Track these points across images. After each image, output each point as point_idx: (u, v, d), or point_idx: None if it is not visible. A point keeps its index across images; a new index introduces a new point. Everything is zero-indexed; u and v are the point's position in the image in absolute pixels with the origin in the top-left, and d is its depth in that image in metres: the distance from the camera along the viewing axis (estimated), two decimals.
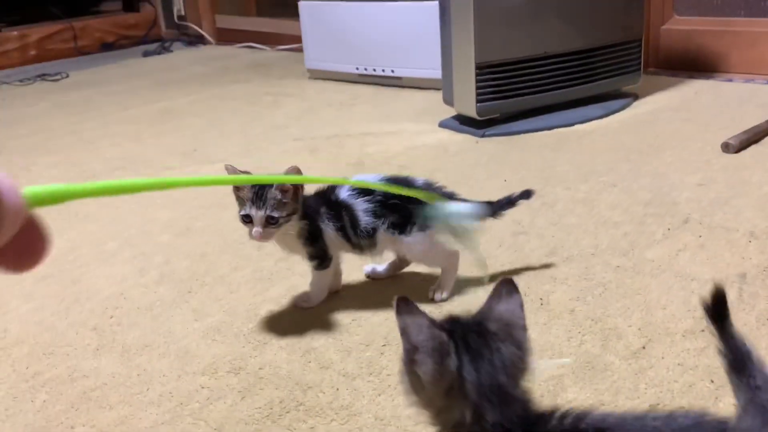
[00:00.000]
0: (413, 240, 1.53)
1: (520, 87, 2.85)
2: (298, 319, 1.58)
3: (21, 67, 5.35)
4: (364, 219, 1.52)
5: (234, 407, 1.30)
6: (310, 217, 1.52)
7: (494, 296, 0.87)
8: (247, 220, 1.47)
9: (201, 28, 5.95)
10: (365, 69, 3.96)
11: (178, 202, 2.36)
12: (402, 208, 1.51)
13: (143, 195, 2.48)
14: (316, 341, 1.49)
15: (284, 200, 1.45)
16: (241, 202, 1.48)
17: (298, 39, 4.43)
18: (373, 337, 1.48)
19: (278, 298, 1.68)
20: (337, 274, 1.68)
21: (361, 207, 1.52)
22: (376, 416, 1.24)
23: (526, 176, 2.32)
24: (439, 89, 3.59)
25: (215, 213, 2.22)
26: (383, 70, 3.88)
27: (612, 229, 1.86)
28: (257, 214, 1.44)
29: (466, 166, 2.50)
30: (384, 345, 1.45)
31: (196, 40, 5.96)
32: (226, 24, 5.92)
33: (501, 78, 2.81)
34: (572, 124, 2.84)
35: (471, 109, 2.85)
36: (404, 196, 1.48)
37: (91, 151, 3.05)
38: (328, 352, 1.44)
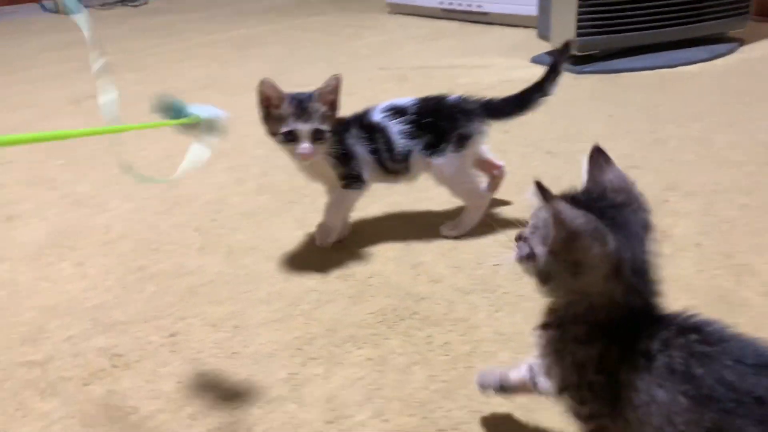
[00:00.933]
0: (444, 161, 1.43)
1: (624, 23, 2.70)
2: (402, 234, 1.53)
3: None
4: (400, 142, 1.43)
5: (346, 311, 1.27)
6: (342, 137, 1.41)
7: (594, 167, 0.80)
8: (289, 137, 1.33)
9: None
10: (450, 3, 3.83)
11: None
12: (436, 127, 1.42)
13: (234, 111, 2.46)
14: (423, 256, 1.44)
15: (328, 113, 1.35)
16: (277, 120, 1.34)
17: None
18: (484, 257, 1.42)
19: (379, 214, 1.63)
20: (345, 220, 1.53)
21: (396, 129, 1.43)
22: (495, 330, 1.19)
23: (632, 112, 2.20)
24: (528, 26, 3.46)
25: None
26: (469, 5, 3.74)
27: (733, 168, 1.75)
28: (304, 128, 1.32)
29: (565, 102, 2.38)
30: (497, 264, 1.39)
31: None
32: None
33: (604, 12, 2.66)
34: (675, 66, 2.68)
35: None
36: (437, 115, 1.42)
37: (175, 71, 3.03)
38: (437, 267, 1.39)
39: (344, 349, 1.16)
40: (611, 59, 2.74)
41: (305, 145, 1.33)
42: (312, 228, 1.58)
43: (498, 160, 1.61)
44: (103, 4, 4.80)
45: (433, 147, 1.43)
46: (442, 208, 1.64)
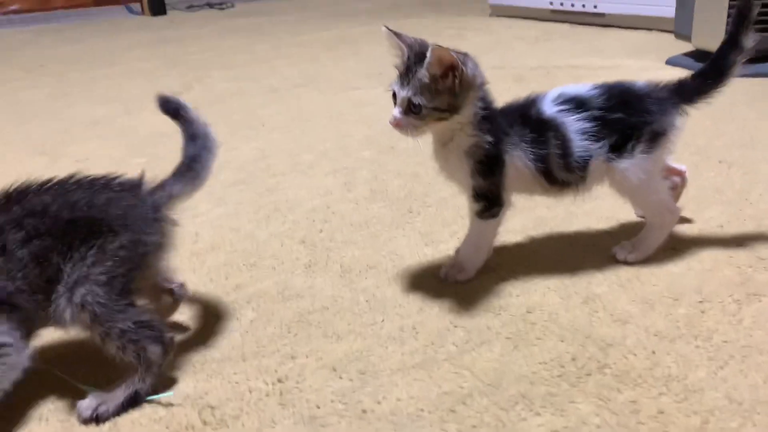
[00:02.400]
0: (632, 165, 1.08)
1: None
2: (561, 257, 1.20)
3: None
4: (580, 144, 1.08)
5: (507, 357, 0.94)
6: (495, 135, 1.06)
7: None
8: (393, 98, 1.06)
9: None
10: (560, 4, 3.49)
11: (372, 119, 2.04)
12: (626, 124, 1.08)
13: (333, 109, 2.22)
14: (596, 287, 1.10)
15: (436, 87, 1.02)
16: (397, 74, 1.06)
17: None
18: (680, 289, 1.08)
19: (524, 230, 1.30)
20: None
21: (575, 127, 1.07)
22: (727, 396, 0.84)
23: None
24: (650, 29, 3.09)
25: None
26: (583, 6, 3.39)
27: None
28: (400, 93, 1.04)
29: (723, 106, 2.01)
30: (701, 301, 1.04)
31: None
32: None
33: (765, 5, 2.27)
34: None
35: (717, 44, 2.33)
36: (627, 107, 1.08)
37: (267, 69, 2.80)
38: (619, 303, 1.05)
39: (516, 414, 0.84)
40: (764, 62, 2.34)
41: (395, 113, 1.04)
42: (442, 244, 1.27)
43: (679, 165, 1.27)
44: (190, 6, 4.67)
45: (619, 148, 1.08)
46: (606, 224, 1.30)
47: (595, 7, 3.34)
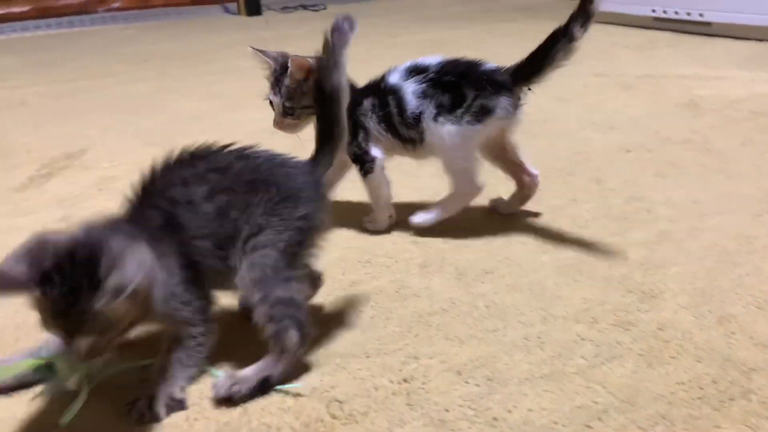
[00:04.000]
0: (454, 128, 1.23)
1: None
2: (686, 272, 1.14)
3: None
4: (413, 102, 1.25)
5: (641, 375, 0.90)
6: (349, 110, 1.14)
7: None
8: (271, 105, 1.29)
9: None
10: (664, 12, 3.37)
11: None
12: (457, 90, 1.23)
13: None
14: (731, 306, 1.04)
15: (299, 89, 1.24)
16: (268, 85, 1.29)
17: None
18: None
19: (647, 243, 1.25)
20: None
21: (411, 89, 1.26)
22: None
23: None
24: (761, 40, 2.95)
25: (525, 139, 1.85)
26: (688, 14, 3.26)
27: None
28: (275, 101, 1.27)
29: None
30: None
31: None
32: None
33: None
34: None
35: None
36: (467, 77, 1.24)
37: (363, 69, 2.81)
38: (758, 325, 0.99)
39: None
40: None
41: (275, 118, 1.29)
42: (561, 253, 1.23)
43: (533, 168, 1.37)
44: (284, 8, 4.76)
45: (449, 111, 1.24)
46: (735, 241, 1.24)
47: (701, 15, 3.21)
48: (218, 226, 0.87)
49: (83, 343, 0.76)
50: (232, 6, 4.87)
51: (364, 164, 1.29)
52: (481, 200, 1.39)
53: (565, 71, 2.95)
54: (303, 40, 3.65)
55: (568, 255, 1.23)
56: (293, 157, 0.98)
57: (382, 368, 0.93)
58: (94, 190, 1.61)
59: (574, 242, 1.27)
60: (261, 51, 1.27)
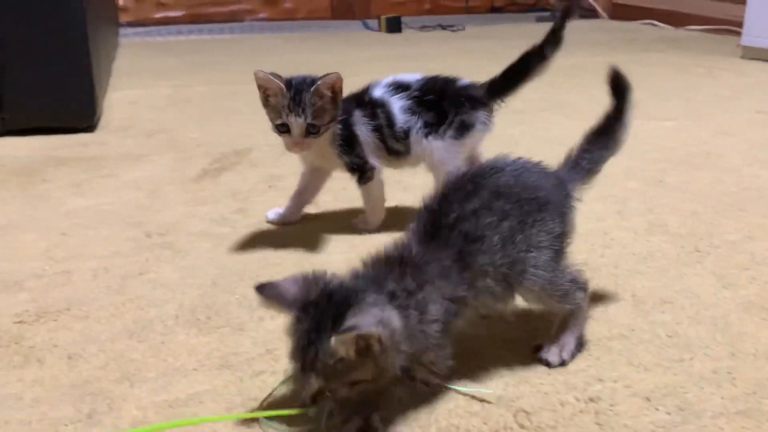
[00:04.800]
0: (440, 144, 1.36)
1: None
2: None
3: (417, 17, 5.46)
4: (401, 117, 1.35)
5: None
6: (343, 121, 1.34)
7: None
8: (283, 129, 1.28)
9: (596, 1, 5.56)
10: None
11: (630, 150, 1.97)
12: (439, 107, 1.35)
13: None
14: None
15: (325, 106, 1.28)
16: (274, 110, 1.28)
17: (715, 20, 3.99)
18: None
19: None
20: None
21: (397, 105, 1.35)
22: None
23: None
24: None
25: (688, 171, 1.79)
26: None
27: None
28: (296, 122, 1.27)
29: None
30: None
31: (588, 13, 5.57)
32: (624, 0, 5.44)
33: None
34: None
35: None
36: (446, 95, 1.35)
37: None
38: None
39: None
40: None
41: (296, 140, 1.29)
42: (741, 289, 1.18)
43: None
44: (422, 27, 4.84)
45: (434, 129, 1.36)
46: None
47: None
48: (501, 257, 0.89)
49: (313, 382, 0.78)
50: (372, 22, 5.00)
51: (365, 173, 1.38)
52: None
53: (721, 105, 2.89)
54: (442, 59, 3.71)
55: (750, 291, 1.18)
56: (537, 162, 1.01)
57: (566, 386, 0.93)
58: (264, 187, 1.69)
59: (756, 279, 1.21)
60: (273, 75, 1.28)
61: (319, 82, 1.27)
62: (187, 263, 1.29)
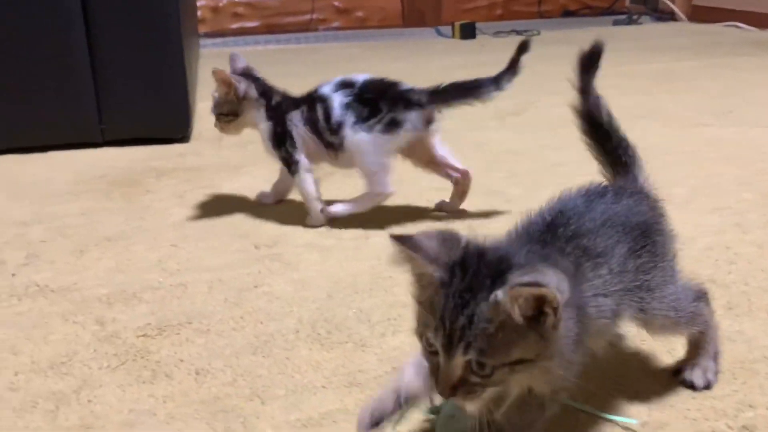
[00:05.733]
0: (367, 136, 1.44)
1: None
2: None
3: (489, 23, 5.41)
4: (337, 112, 1.46)
5: None
6: (278, 118, 1.51)
7: None
8: None
9: (674, 3, 5.39)
10: None
11: (739, 159, 1.88)
12: (374, 105, 1.44)
13: (686, 145, 2.04)
14: None
15: (219, 100, 1.53)
16: None
17: None
18: None
19: None
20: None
21: (338, 100, 1.46)
22: None
23: None
24: None
25: None
26: None
27: None
28: (211, 109, 1.55)
29: None
30: None
31: (666, 16, 5.41)
32: (704, 2, 5.25)
33: None
34: None
35: None
36: (385, 95, 1.45)
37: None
38: None
39: None
40: None
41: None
42: None
43: (460, 165, 1.57)
44: (496, 33, 4.78)
45: (365, 122, 1.44)
46: None
47: None
48: (618, 281, 0.81)
49: (458, 359, 0.66)
50: (445, 29, 4.97)
51: (290, 166, 1.52)
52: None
53: None
54: (531, 65, 3.65)
55: None
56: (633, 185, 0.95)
57: (715, 412, 0.88)
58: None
59: None
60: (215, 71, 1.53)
61: (214, 78, 1.52)
62: (299, 276, 1.29)
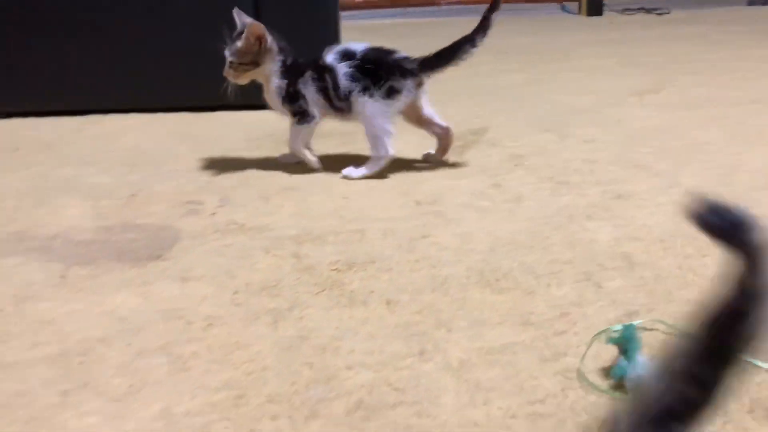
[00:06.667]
0: (371, 102, 1.66)
1: None
2: None
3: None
4: (344, 82, 1.67)
5: None
6: (292, 78, 1.71)
7: None
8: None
9: None
10: None
11: None
12: (374, 74, 1.65)
13: None
14: None
15: (243, 49, 1.67)
16: None
17: None
18: None
19: None
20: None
21: (342, 71, 1.66)
22: None
23: None
24: None
25: None
26: None
27: None
28: (225, 53, 1.69)
29: None
30: None
31: None
32: None
33: None
34: None
35: None
36: (381, 64, 1.66)
37: (736, 79, 2.72)
38: None
39: None
40: None
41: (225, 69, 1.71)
42: None
43: (442, 121, 1.79)
44: (624, 10, 4.73)
45: (368, 89, 1.65)
46: None
47: None
48: None
49: None
50: (570, 5, 4.95)
51: (304, 117, 1.73)
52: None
53: None
54: (650, 44, 3.62)
55: None
56: None
57: None
58: (510, 165, 1.80)
59: None
60: (239, 13, 1.72)
61: (246, 30, 1.67)
62: (461, 230, 1.42)
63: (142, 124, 2.01)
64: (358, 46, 1.70)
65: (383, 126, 1.68)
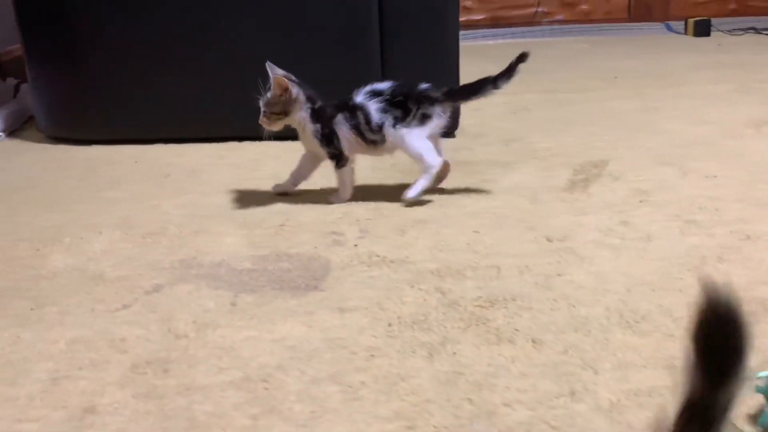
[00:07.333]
0: (407, 131, 1.82)
1: None
2: None
3: (721, 18, 5.20)
4: (376, 116, 1.83)
5: None
6: (325, 120, 1.85)
7: None
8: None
9: None
10: None
11: None
12: (405, 106, 1.82)
13: None
14: None
15: (272, 100, 1.83)
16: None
17: None
18: None
19: None
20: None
21: (374, 107, 1.83)
22: None
23: None
24: None
25: None
26: None
27: None
28: (259, 103, 1.84)
29: None
30: None
31: None
32: None
33: None
34: None
35: None
36: (410, 96, 1.83)
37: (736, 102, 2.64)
38: None
39: None
40: None
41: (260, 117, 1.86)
42: None
43: (444, 154, 1.90)
44: (732, 30, 4.62)
45: (402, 120, 1.83)
46: None
47: None
48: None
49: None
50: (676, 24, 4.87)
51: (339, 160, 1.87)
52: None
53: None
54: (762, 69, 3.53)
55: None
56: None
57: None
58: (635, 201, 1.84)
59: None
60: (270, 67, 1.86)
61: (271, 82, 1.83)
62: (595, 269, 1.48)
63: (280, 152, 2.16)
64: (384, 84, 1.86)
65: (423, 145, 1.84)
